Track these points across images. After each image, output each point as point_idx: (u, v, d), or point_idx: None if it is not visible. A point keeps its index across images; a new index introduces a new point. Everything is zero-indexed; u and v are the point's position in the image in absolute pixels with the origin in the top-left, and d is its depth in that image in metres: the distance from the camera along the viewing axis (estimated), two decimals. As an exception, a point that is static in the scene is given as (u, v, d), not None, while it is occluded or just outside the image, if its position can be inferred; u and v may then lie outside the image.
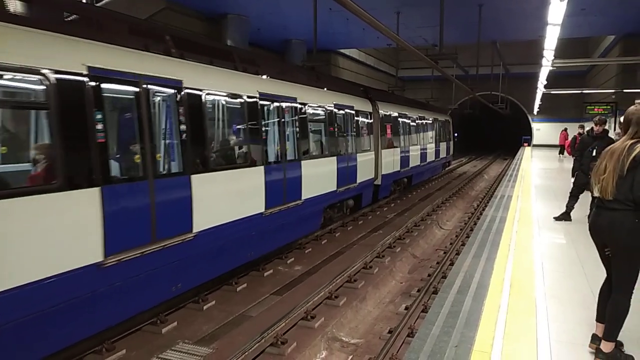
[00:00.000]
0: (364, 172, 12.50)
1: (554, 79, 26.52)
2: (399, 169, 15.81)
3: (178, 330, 6.04)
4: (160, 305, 6.13)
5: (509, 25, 20.69)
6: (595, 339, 3.75)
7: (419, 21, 18.98)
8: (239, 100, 7.44)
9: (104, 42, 5.09)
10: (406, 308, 6.84)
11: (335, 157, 10.66)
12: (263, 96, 7.95)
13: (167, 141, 6.12)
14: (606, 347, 3.60)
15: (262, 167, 7.77)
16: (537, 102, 33.22)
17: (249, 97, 7.59)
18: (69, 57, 4.62)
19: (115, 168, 5.25)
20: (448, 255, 9.39)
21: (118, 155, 5.43)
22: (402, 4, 16.97)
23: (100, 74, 4.89)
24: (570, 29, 17.59)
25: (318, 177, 9.83)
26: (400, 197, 16.75)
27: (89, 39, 4.91)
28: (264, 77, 8.31)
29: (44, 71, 4.33)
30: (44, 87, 4.36)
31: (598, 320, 3.75)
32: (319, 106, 10.20)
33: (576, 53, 28.68)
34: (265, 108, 8.16)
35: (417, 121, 18.94)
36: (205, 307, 6.69)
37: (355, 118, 12.23)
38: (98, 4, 14.15)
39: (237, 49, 9.38)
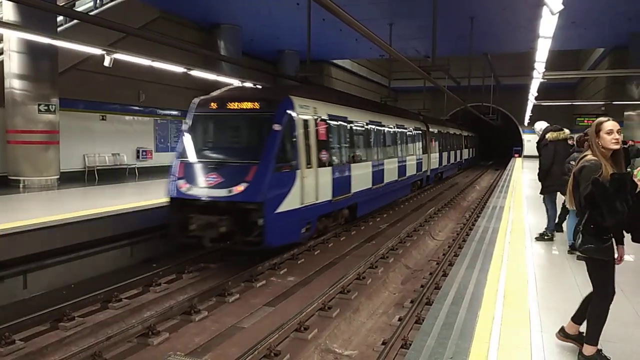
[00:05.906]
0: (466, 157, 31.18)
1: (545, 91, 26.85)
2: (461, 160, 30.74)
3: (169, 342, 5.96)
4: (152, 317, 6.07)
5: (500, 37, 20.98)
6: (561, 330, 3.98)
7: (412, 33, 19.18)
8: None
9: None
10: (400, 319, 6.80)
11: (467, 150, 30.41)
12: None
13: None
14: (587, 350, 3.65)
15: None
16: (528, 113, 33.54)
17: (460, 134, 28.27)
18: None
19: None
20: (441, 266, 9.38)
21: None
22: (395, 16, 17.17)
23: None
24: (561, 41, 17.85)
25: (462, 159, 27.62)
26: (392, 207, 16.80)
27: None
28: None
29: None
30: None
31: (572, 318, 3.94)
32: (461, 133, 27.15)
33: (567, 65, 29.05)
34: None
35: (472, 137, 35.16)
36: (197, 319, 6.61)
37: (463, 137, 29.70)
38: (92, 12, 14.13)
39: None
